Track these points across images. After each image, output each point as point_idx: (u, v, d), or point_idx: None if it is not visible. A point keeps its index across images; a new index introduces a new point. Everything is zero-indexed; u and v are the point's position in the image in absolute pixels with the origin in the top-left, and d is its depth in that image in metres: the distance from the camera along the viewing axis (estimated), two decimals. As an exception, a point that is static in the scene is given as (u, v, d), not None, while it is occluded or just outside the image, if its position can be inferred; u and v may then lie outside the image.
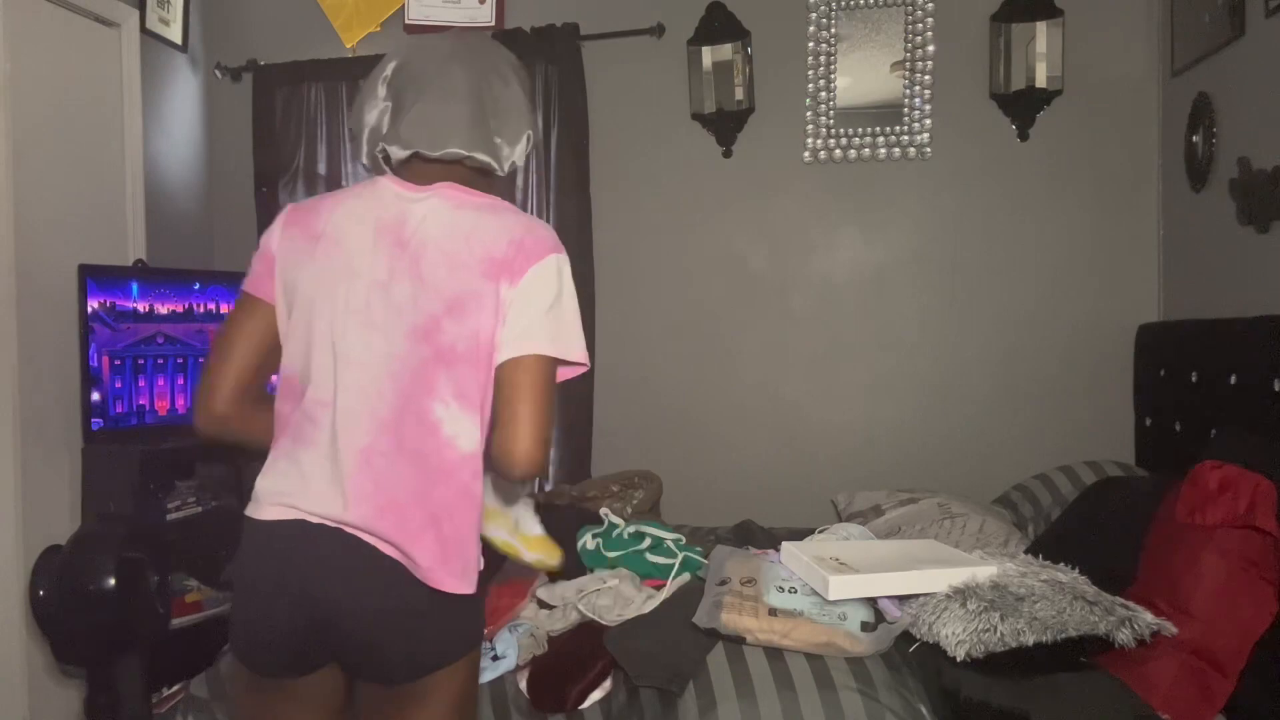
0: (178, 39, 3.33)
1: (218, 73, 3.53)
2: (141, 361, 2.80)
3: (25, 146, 2.58)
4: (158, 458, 2.68)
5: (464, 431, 1.25)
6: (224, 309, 3.01)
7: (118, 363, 2.72)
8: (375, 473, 1.23)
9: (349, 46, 3.44)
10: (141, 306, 2.79)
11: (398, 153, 1.31)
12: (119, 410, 2.74)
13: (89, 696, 2.50)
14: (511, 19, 3.31)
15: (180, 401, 2.92)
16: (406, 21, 3.37)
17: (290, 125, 3.46)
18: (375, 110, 1.34)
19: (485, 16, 3.33)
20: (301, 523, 1.24)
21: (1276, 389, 2.03)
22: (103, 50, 2.94)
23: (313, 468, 1.25)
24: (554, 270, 1.27)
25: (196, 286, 2.96)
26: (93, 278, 2.65)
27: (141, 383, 2.80)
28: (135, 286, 2.77)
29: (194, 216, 3.47)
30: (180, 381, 2.92)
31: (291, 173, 3.47)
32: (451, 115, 1.30)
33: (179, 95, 3.38)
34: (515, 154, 1.37)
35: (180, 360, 2.91)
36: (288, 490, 1.25)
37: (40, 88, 2.66)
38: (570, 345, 1.28)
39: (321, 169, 3.46)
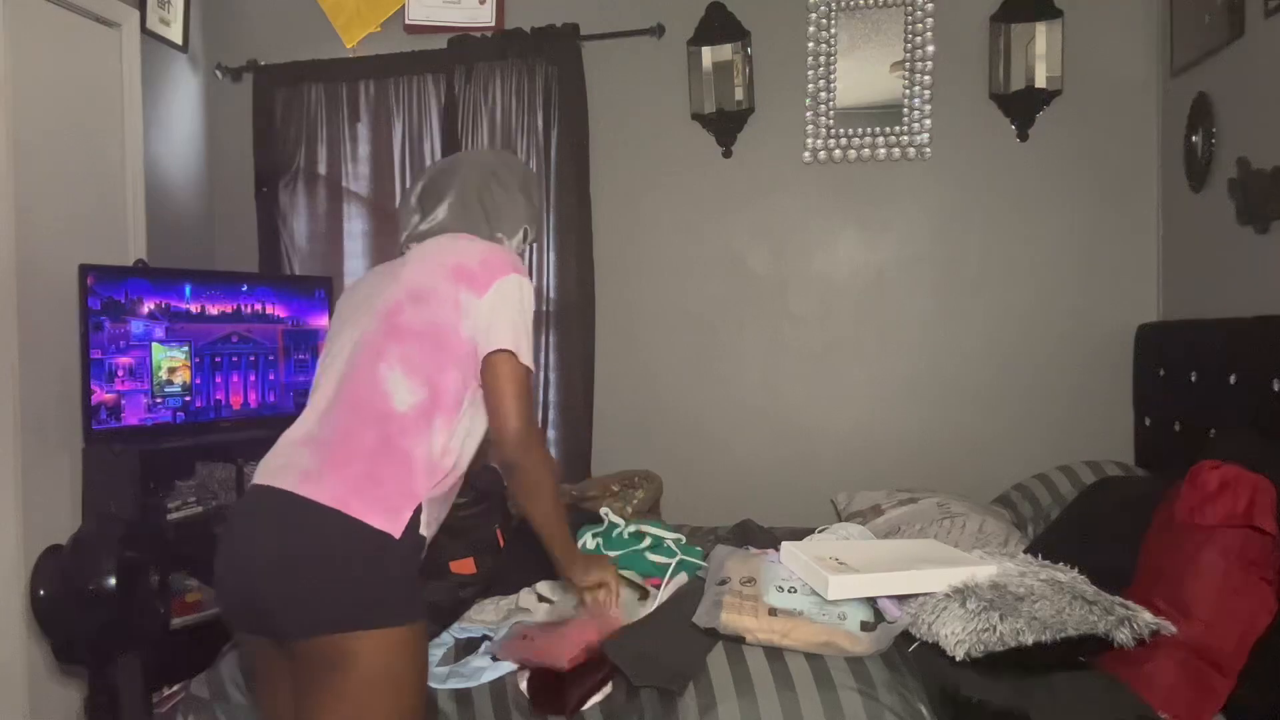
0: (178, 39, 3.33)
1: (218, 73, 3.53)
2: (219, 359, 2.97)
3: (26, 146, 2.58)
4: (158, 458, 2.68)
5: (401, 390, 1.46)
6: (269, 310, 3.14)
7: (197, 360, 2.92)
8: (322, 425, 1.48)
9: (349, 46, 3.44)
10: (194, 307, 2.91)
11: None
12: (198, 405, 2.92)
13: (89, 696, 2.50)
14: (511, 19, 3.32)
15: (253, 397, 3.09)
16: (407, 22, 3.38)
17: (290, 125, 3.46)
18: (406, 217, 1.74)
19: (485, 17, 3.33)
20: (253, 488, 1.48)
21: (1276, 389, 2.04)
22: (103, 50, 2.94)
23: (285, 440, 1.52)
24: (516, 286, 1.55)
25: (244, 289, 3.07)
26: (148, 280, 2.80)
27: (219, 379, 2.98)
28: (188, 288, 2.91)
29: (194, 216, 3.47)
30: (253, 379, 3.08)
31: (291, 173, 3.48)
32: (449, 215, 1.69)
33: (179, 95, 3.38)
34: (512, 245, 1.72)
35: (253, 359, 3.07)
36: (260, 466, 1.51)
37: (40, 88, 2.66)
38: (525, 351, 1.53)
39: (321, 169, 3.47)
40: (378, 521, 1.38)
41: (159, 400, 2.83)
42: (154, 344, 2.81)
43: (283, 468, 1.44)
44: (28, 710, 2.54)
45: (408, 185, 3.40)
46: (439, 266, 1.55)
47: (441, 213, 1.68)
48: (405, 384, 1.46)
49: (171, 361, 2.87)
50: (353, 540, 1.37)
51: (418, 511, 1.42)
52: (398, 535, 1.39)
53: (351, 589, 1.36)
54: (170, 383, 2.86)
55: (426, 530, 1.47)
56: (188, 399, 2.91)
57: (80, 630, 2.36)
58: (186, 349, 2.91)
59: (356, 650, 1.34)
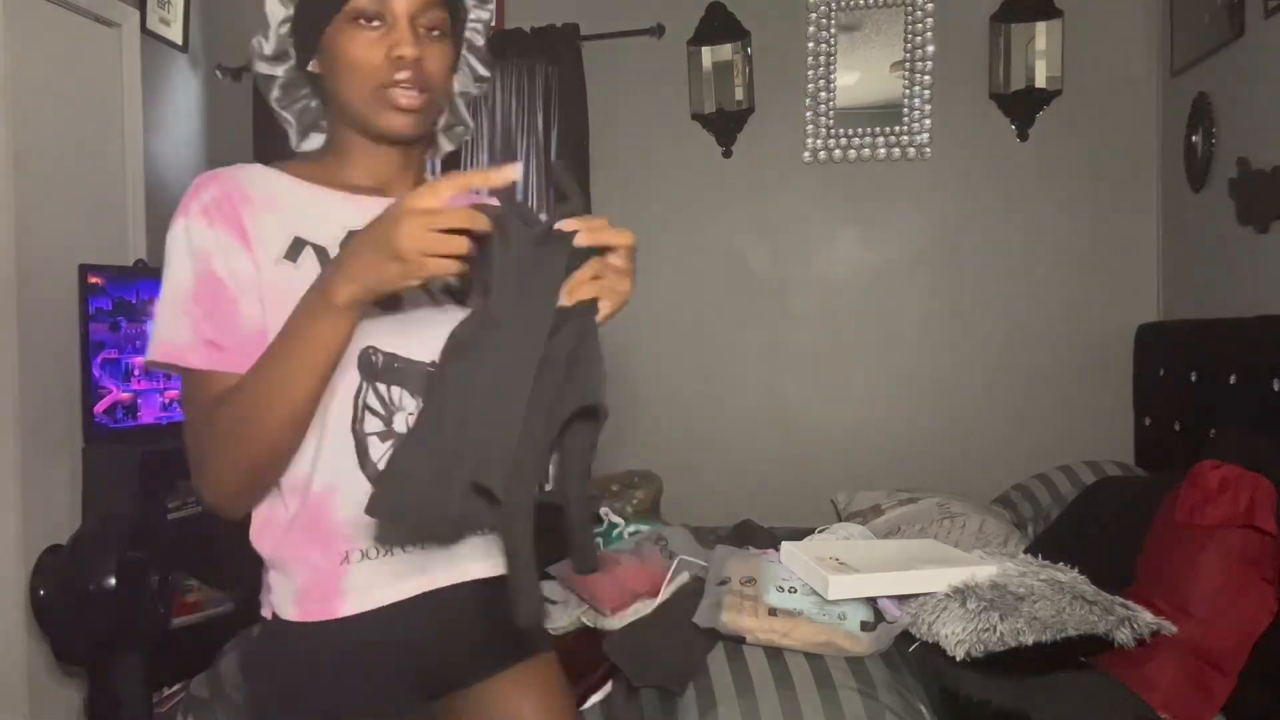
0: (178, 39, 3.33)
1: (218, 73, 3.53)
2: None
3: (26, 146, 2.58)
4: (158, 458, 2.68)
5: None
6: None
7: None
8: None
9: (349, 47, 3.44)
10: None
11: None
12: None
13: (89, 696, 2.50)
14: (511, 19, 3.31)
15: None
16: (406, 22, 3.38)
17: (290, 125, 3.46)
18: None
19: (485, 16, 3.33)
20: None
21: (1276, 389, 2.04)
22: (103, 50, 2.94)
23: None
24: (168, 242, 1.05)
25: None
26: (159, 280, 2.74)
27: None
28: None
29: (194, 216, 3.47)
30: None
31: (291, 173, 3.47)
32: None
33: (179, 95, 3.38)
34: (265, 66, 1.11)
35: None
36: None
37: (40, 88, 2.66)
38: (164, 341, 0.99)
39: (321, 169, 3.46)
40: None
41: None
42: None
43: None
44: (28, 710, 2.54)
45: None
46: None
47: None
48: None
49: None
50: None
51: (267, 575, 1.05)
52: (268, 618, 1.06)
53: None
54: None
55: (286, 607, 1.02)
56: None
57: (80, 630, 2.36)
58: None
59: None
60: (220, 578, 2.68)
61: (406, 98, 1.00)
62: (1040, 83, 2.96)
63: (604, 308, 1.00)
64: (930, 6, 3.05)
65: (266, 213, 1.01)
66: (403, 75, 0.99)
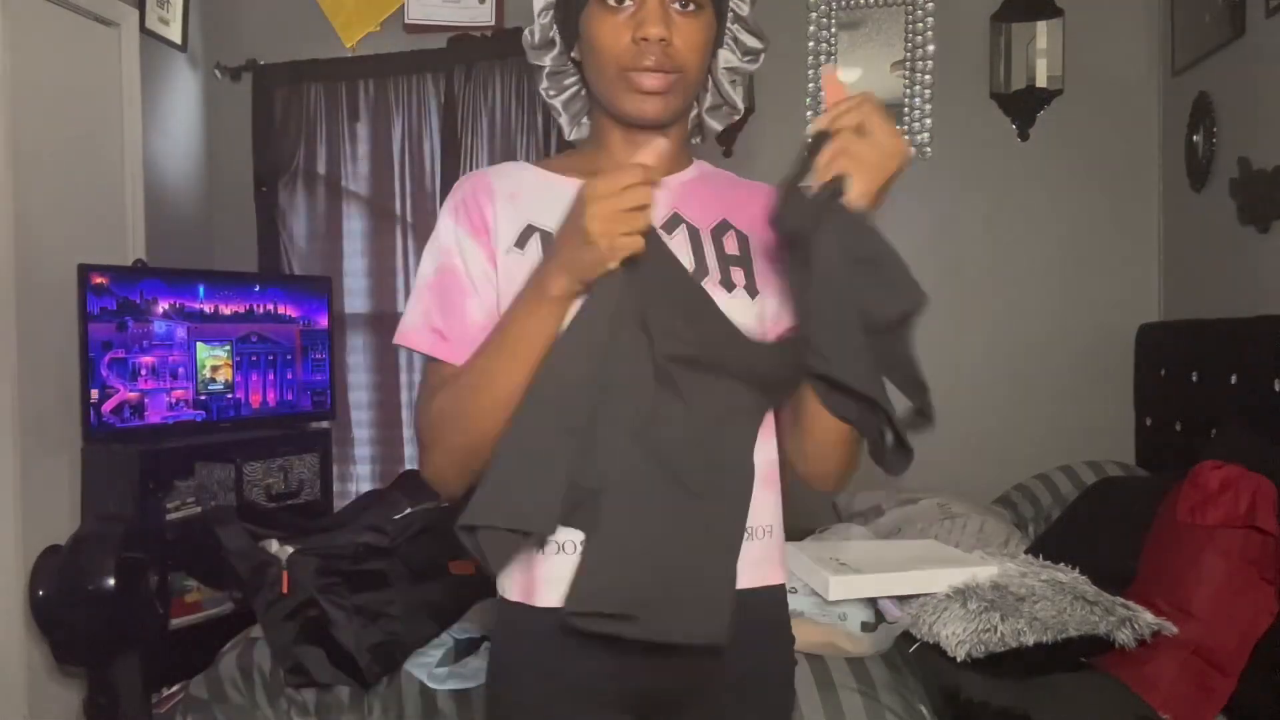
0: (177, 39, 3.32)
1: (217, 72, 3.52)
2: (238, 359, 2.98)
3: (25, 146, 2.58)
4: (157, 458, 2.68)
5: None
6: (282, 310, 3.11)
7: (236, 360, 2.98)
8: None
9: (348, 46, 3.44)
10: (208, 308, 2.92)
11: None
12: (218, 403, 2.95)
13: (89, 696, 2.50)
14: (511, 19, 3.31)
15: (272, 396, 3.07)
16: (406, 21, 3.37)
17: (290, 125, 3.46)
18: None
19: (485, 16, 3.33)
20: None
21: (1276, 389, 2.03)
22: (102, 50, 2.93)
23: None
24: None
25: (256, 289, 3.08)
26: (163, 280, 2.80)
27: (238, 378, 2.97)
28: (202, 289, 2.91)
29: (194, 216, 3.46)
30: (271, 377, 3.07)
31: (291, 172, 3.47)
32: None
33: (179, 95, 3.38)
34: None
35: (272, 358, 3.07)
36: None
37: (40, 88, 2.66)
38: (404, 325, 1.04)
39: (321, 169, 3.47)
40: None
41: (203, 398, 2.89)
42: (199, 344, 2.87)
43: None
44: (27, 710, 2.53)
45: (407, 184, 3.41)
46: None
47: None
48: None
49: (214, 360, 2.92)
50: None
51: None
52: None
53: None
54: (214, 380, 2.91)
55: (506, 583, 1.03)
56: (229, 396, 2.96)
57: (80, 630, 2.36)
58: (228, 348, 2.95)
59: None
60: (219, 578, 2.68)
61: (651, 80, 0.98)
62: (1041, 82, 2.96)
63: (855, 183, 0.91)
64: (931, 6, 3.04)
65: (507, 205, 1.03)
66: (649, 60, 0.97)
